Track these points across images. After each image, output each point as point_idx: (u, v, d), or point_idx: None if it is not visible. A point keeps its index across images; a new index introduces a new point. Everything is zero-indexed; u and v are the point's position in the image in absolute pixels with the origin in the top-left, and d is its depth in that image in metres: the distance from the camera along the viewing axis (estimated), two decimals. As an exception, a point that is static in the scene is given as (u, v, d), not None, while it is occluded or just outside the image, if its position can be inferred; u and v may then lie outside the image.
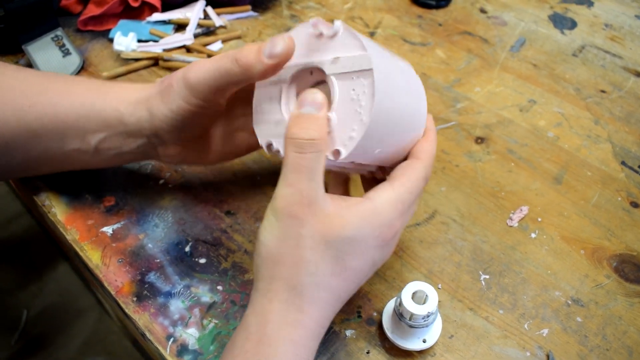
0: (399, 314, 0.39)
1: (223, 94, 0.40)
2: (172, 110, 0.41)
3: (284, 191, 0.34)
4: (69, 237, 0.48)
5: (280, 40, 0.36)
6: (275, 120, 0.38)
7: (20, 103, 0.43)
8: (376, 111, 0.34)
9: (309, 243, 0.34)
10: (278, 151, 0.38)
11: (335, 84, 0.36)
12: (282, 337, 0.34)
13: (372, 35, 0.69)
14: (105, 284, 0.45)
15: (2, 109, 0.43)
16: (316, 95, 0.35)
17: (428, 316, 0.38)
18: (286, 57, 0.36)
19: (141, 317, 0.43)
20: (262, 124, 0.39)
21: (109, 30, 0.68)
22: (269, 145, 0.39)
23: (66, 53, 0.63)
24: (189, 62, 0.62)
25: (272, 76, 0.39)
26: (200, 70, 0.39)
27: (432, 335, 0.40)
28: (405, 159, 0.40)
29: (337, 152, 0.35)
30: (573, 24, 0.73)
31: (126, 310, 0.44)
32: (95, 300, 1.37)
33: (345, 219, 0.34)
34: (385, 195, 0.36)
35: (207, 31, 0.67)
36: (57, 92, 0.44)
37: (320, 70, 0.37)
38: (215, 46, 0.66)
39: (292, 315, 0.34)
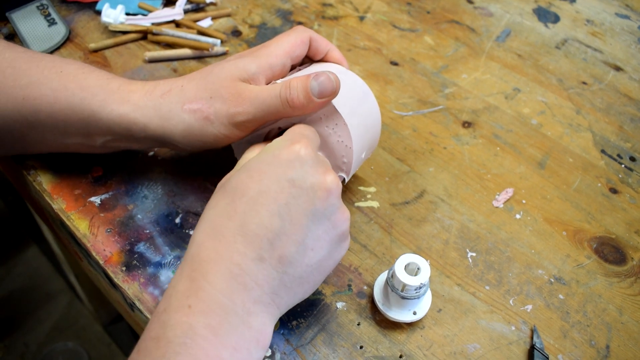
0: (391, 286, 0.40)
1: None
2: (206, 142, 0.41)
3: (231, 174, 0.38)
4: (55, 207, 0.47)
5: (327, 80, 0.38)
6: None
7: (14, 93, 0.41)
8: (354, 134, 0.40)
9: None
10: None
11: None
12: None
13: (361, 19, 0.70)
14: (93, 254, 0.44)
15: None
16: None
17: (420, 288, 0.39)
18: (334, 96, 0.39)
19: (130, 287, 0.43)
20: None
21: (96, 2, 0.66)
22: None
23: (52, 23, 0.62)
24: (178, 37, 0.61)
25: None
26: (249, 109, 0.39)
27: (422, 307, 0.41)
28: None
29: (341, 180, 0.42)
30: (556, 18, 0.75)
31: (115, 280, 0.43)
32: (66, 284, 1.35)
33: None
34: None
35: (197, 7, 0.67)
36: (51, 88, 0.41)
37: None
38: (205, 22, 0.65)
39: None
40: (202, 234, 0.34)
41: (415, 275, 0.39)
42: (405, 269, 0.39)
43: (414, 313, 0.41)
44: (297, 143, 0.35)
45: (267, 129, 0.43)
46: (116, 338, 1.27)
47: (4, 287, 1.36)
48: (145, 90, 0.42)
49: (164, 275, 0.43)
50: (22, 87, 0.41)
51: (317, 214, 0.34)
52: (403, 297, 0.39)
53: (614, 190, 0.54)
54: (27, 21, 0.61)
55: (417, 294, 0.39)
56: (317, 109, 0.39)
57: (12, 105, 0.41)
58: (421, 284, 0.39)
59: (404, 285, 0.39)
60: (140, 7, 0.65)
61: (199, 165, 0.51)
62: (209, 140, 0.40)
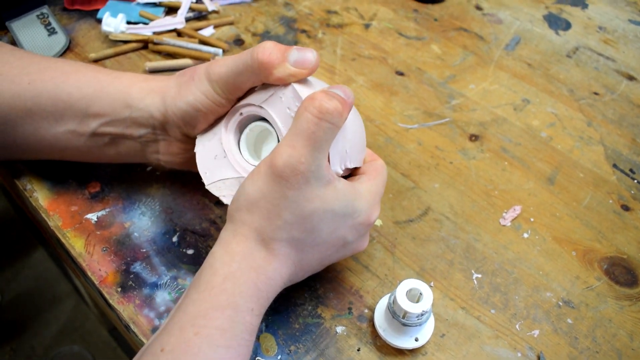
0: (393, 312, 0.38)
1: (243, 89, 0.39)
2: (188, 102, 0.40)
3: (284, 150, 0.34)
4: (51, 224, 0.46)
5: (310, 53, 0.36)
6: (235, 177, 0.40)
7: (19, 79, 0.42)
8: None
9: (291, 207, 0.35)
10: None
11: (269, 110, 0.38)
12: (246, 279, 0.35)
13: (367, 27, 0.68)
14: (89, 273, 0.43)
15: None
16: (346, 88, 0.36)
17: (422, 315, 0.38)
18: (310, 72, 0.37)
19: (126, 309, 0.42)
20: (221, 187, 0.41)
21: (97, 10, 0.65)
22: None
23: (52, 32, 0.61)
24: (179, 47, 0.60)
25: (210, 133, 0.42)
26: (222, 64, 0.39)
27: (424, 333, 0.40)
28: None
29: None
30: (567, 25, 0.73)
31: (110, 301, 0.42)
32: (72, 287, 1.35)
33: (331, 198, 0.36)
34: (366, 185, 0.39)
35: (199, 15, 0.66)
36: (62, 72, 0.43)
37: (251, 110, 0.39)
38: (207, 31, 0.64)
39: (257, 262, 0.35)
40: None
41: (417, 301, 0.38)
42: (407, 294, 0.38)
43: (416, 339, 0.40)
44: (375, 213, 0.39)
45: (230, 114, 0.41)
46: (122, 342, 1.26)
47: (11, 290, 1.36)
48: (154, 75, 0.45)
49: (160, 296, 0.42)
50: (29, 73, 0.42)
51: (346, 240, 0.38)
52: (404, 324, 0.38)
53: (626, 207, 0.52)
54: (27, 30, 0.60)
55: (419, 321, 0.38)
56: (286, 78, 0.36)
57: (14, 91, 0.41)
58: (423, 311, 0.37)
59: (405, 312, 0.37)
60: (141, 16, 0.64)
61: (197, 181, 0.49)
62: (192, 100, 0.40)
